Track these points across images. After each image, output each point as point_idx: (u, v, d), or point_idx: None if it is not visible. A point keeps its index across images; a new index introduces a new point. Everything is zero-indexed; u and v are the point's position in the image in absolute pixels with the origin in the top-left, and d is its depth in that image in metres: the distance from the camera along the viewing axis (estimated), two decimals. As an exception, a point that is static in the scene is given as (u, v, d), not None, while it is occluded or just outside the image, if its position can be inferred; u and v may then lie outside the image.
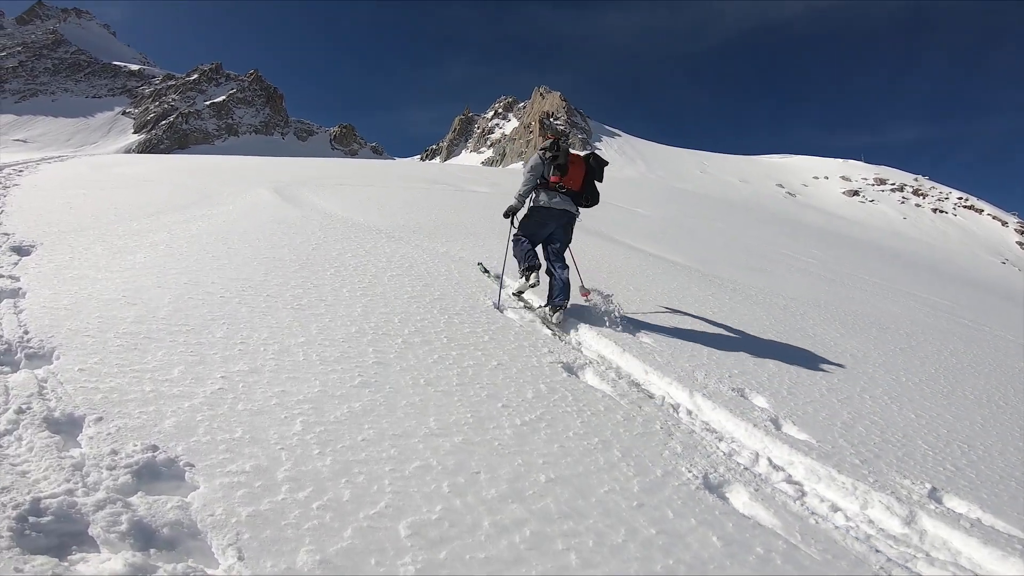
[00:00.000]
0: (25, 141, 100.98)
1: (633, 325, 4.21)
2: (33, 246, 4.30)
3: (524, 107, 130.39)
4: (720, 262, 10.21)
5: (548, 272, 4.32)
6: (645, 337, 3.99)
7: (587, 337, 3.87)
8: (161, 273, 3.75)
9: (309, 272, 4.17)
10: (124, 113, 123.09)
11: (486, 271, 5.27)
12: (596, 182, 4.49)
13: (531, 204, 4.46)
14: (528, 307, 4.35)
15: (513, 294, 4.53)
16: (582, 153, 4.56)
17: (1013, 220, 69.35)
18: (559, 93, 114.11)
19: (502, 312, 4.05)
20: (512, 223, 4.56)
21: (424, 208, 9.80)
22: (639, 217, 17.43)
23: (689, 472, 2.28)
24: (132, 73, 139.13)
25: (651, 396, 3.07)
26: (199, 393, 2.16)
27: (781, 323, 5.54)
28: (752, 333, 4.80)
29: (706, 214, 25.28)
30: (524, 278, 4.32)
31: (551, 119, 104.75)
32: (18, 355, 2.44)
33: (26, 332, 2.60)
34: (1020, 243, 64.08)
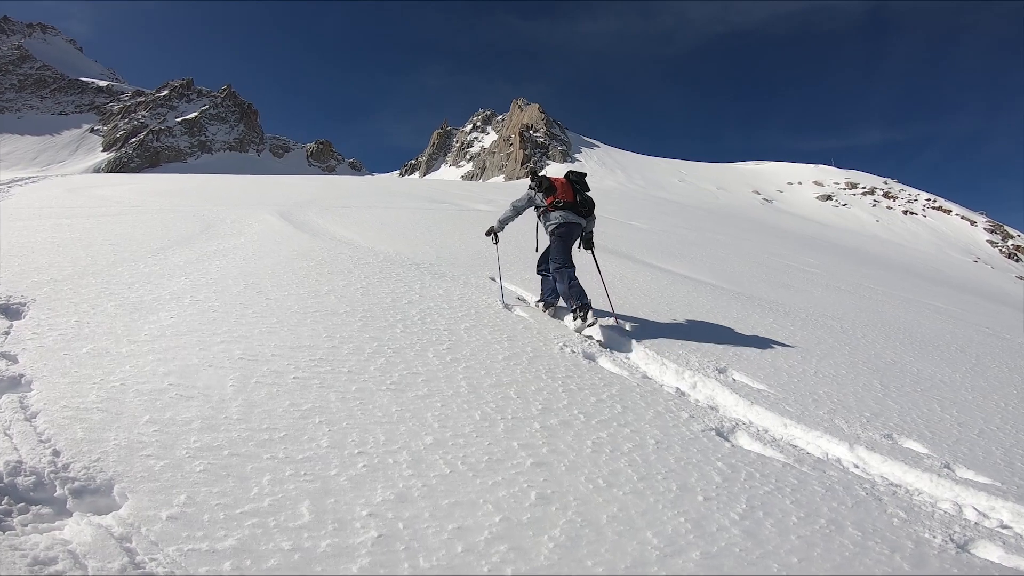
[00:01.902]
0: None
1: (731, 366, 3.90)
2: (24, 304, 3.46)
3: (502, 119, 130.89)
4: (746, 279, 9.98)
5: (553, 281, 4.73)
6: (755, 382, 3.71)
7: (689, 382, 3.49)
8: (204, 343, 3.06)
9: (376, 330, 3.60)
10: (92, 131, 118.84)
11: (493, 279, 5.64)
12: (586, 192, 4.90)
13: (552, 228, 4.73)
14: (607, 347, 4.09)
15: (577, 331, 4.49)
16: (561, 175, 4.99)
17: (982, 219, 71.80)
18: (537, 105, 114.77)
19: (509, 310, 4.54)
20: (495, 239, 5.18)
21: (444, 233, 9.27)
22: (640, 231, 17.22)
23: (934, 537, 2.21)
24: (100, 89, 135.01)
25: (808, 451, 2.87)
26: (358, 548, 1.58)
27: (855, 350, 5.39)
28: (844, 364, 4.66)
29: (697, 224, 25.36)
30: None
31: (531, 131, 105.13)
32: (58, 491, 1.75)
33: (56, 453, 1.89)
34: (991, 241, 66.35)
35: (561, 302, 4.97)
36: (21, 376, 2.48)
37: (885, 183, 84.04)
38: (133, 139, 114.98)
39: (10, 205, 9.39)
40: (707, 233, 21.71)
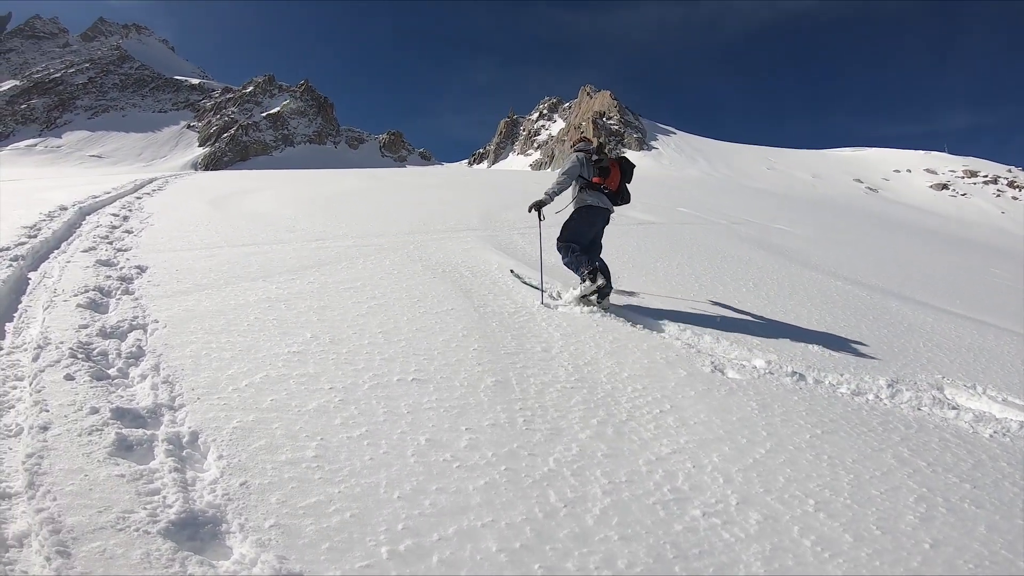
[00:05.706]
0: (100, 156, 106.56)
1: None
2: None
3: (569, 107, 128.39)
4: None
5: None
6: None
7: None
8: None
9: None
10: (189, 127, 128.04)
11: (518, 276, 5.40)
12: (627, 184, 4.95)
13: (578, 204, 4.78)
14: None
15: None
16: (615, 157, 4.94)
17: None
18: (609, 92, 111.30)
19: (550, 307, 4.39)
20: (540, 216, 4.80)
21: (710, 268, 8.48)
22: (793, 237, 15.58)
23: None
24: (193, 87, 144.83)
25: None
26: None
27: None
28: None
29: (830, 222, 23.11)
30: (588, 280, 4.44)
31: (604, 119, 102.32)
32: None
33: None
34: None
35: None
36: None
37: (1009, 171, 75.05)
38: (225, 134, 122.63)
39: (154, 240, 6.26)
40: (871, 238, 19.58)
